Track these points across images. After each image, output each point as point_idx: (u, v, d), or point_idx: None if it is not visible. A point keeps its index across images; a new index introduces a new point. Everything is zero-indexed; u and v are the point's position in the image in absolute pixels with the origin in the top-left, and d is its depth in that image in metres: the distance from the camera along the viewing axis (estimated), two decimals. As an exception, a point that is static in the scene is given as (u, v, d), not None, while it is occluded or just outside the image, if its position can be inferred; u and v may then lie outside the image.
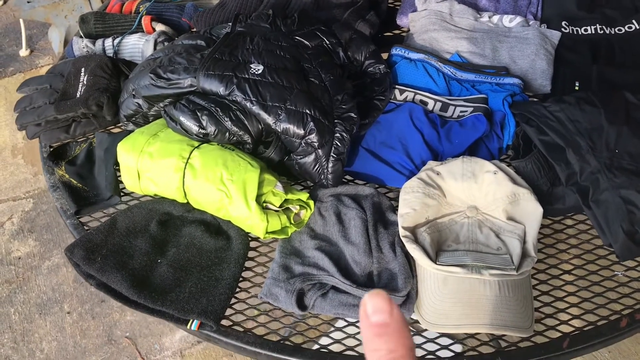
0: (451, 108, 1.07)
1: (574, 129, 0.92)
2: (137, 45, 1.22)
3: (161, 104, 1.00)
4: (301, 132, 0.91)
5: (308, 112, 0.91)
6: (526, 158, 0.93)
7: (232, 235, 0.93)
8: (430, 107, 1.08)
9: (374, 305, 0.36)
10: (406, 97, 1.09)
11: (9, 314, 1.88)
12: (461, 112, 1.06)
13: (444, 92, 1.11)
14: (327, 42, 1.07)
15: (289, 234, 0.92)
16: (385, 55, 1.17)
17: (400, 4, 1.34)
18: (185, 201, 0.94)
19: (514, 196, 0.89)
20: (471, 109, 1.05)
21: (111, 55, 1.22)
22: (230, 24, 1.08)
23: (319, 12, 1.22)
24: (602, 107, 0.93)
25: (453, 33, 1.19)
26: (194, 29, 1.30)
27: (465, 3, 1.28)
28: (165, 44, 1.20)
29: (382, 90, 1.05)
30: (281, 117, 0.91)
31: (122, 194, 1.02)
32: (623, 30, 1.17)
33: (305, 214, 0.94)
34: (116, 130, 1.14)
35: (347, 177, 1.04)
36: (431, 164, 0.96)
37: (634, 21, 1.18)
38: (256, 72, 0.94)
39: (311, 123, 0.91)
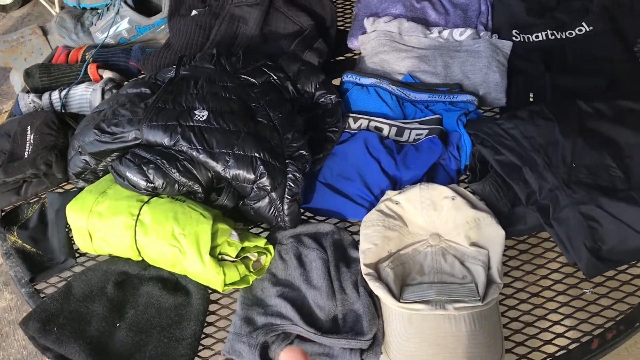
0: (407, 132, 1.05)
1: (529, 146, 0.91)
2: (85, 96, 1.19)
3: (108, 159, 0.97)
4: (251, 176, 0.88)
5: (257, 155, 0.89)
6: (483, 180, 0.91)
7: (192, 289, 0.90)
8: (385, 132, 1.06)
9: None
10: (360, 124, 1.07)
11: (-11, 373, 1.83)
12: (417, 135, 1.04)
13: (398, 116, 1.09)
14: (275, 77, 1.05)
15: (250, 282, 0.89)
16: (338, 81, 1.15)
17: (350, 26, 1.32)
18: (140, 259, 0.91)
19: (474, 221, 0.87)
20: (426, 131, 1.03)
21: (59, 108, 1.19)
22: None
23: (267, 44, 1.19)
24: (556, 120, 0.92)
25: (403, 53, 1.17)
26: (143, 73, 1.27)
27: (415, 19, 1.27)
28: (114, 91, 1.17)
29: (334, 122, 1.03)
30: (230, 163, 0.88)
31: (77, 254, 0.98)
32: (574, 34, 1.16)
33: (266, 260, 0.91)
34: (69, 186, 1.10)
35: (307, 213, 1.02)
36: (389, 193, 0.94)
37: (583, 23, 1.16)
38: (201, 119, 0.92)
39: (261, 167, 0.88)
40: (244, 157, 0.89)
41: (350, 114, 1.08)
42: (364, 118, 1.07)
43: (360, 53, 1.25)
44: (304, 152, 0.93)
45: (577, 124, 0.92)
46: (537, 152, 0.90)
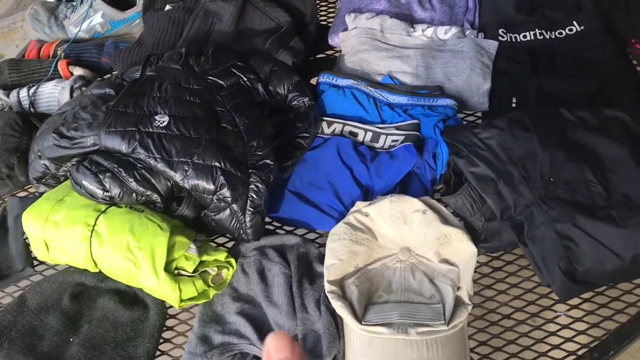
0: (382, 137, 1.00)
1: (507, 158, 0.85)
2: (53, 94, 1.15)
3: (68, 164, 0.93)
4: (211, 187, 0.84)
5: (218, 165, 0.85)
6: (457, 193, 0.87)
7: (149, 303, 0.86)
8: (360, 138, 1.01)
9: (275, 345, 0.40)
10: (334, 129, 1.02)
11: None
12: (393, 141, 0.99)
13: (375, 120, 1.04)
14: (245, 78, 1.00)
15: (211, 296, 0.85)
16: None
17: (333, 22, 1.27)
18: (96, 271, 0.88)
19: (445, 237, 0.83)
20: (403, 137, 0.98)
21: (27, 107, 1.15)
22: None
23: (241, 42, 1.14)
24: (536, 131, 0.86)
25: (384, 52, 1.12)
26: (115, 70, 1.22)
27: (399, 15, 1.21)
28: (83, 89, 1.13)
29: (306, 127, 0.98)
30: (189, 173, 0.84)
31: (35, 263, 0.95)
32: (564, 34, 1.10)
33: (227, 273, 0.88)
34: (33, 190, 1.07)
35: (275, 223, 0.98)
36: (359, 205, 0.90)
37: (574, 22, 1.10)
38: (161, 125, 0.87)
39: (221, 177, 0.84)
40: (203, 167, 0.84)
41: (325, 118, 1.03)
42: (338, 122, 1.02)
43: (341, 50, 1.20)
44: (268, 162, 0.88)
45: (558, 135, 0.86)
46: (515, 164, 0.84)
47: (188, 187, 0.85)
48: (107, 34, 1.30)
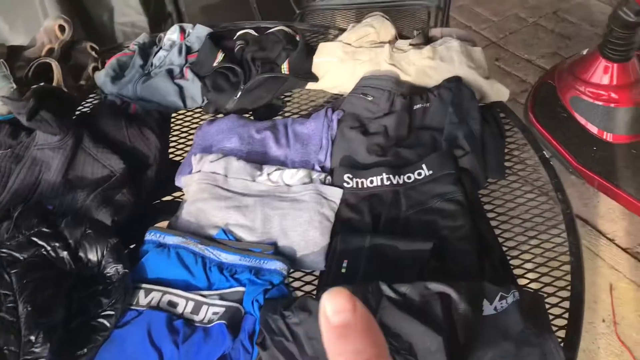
0: (204, 308, 0.90)
1: (311, 350, 0.75)
2: None
3: None
4: (-33, 401, 0.72)
5: (-23, 372, 0.73)
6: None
7: None
8: (180, 308, 0.90)
9: (333, 306, 0.32)
10: (152, 299, 0.92)
11: None
12: (213, 313, 0.89)
13: (201, 284, 0.94)
14: (49, 247, 0.90)
15: None
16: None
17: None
18: None
19: None
20: (224, 309, 0.88)
21: None
22: None
23: (69, 193, 1.05)
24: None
25: (223, 202, 1.04)
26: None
27: (252, 152, 1.15)
28: None
29: (112, 303, 0.88)
30: (-59, 384, 0.72)
31: None
32: (412, 178, 1.03)
33: None
34: None
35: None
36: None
37: (424, 166, 1.03)
38: None
39: (-21, 388, 0.72)
40: (-41, 376, 0.73)
41: (144, 285, 0.93)
42: (157, 290, 0.92)
43: (188, 194, 1.11)
44: (44, 361, 0.77)
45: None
46: None
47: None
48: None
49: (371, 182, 1.04)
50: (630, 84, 2.09)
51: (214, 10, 2.54)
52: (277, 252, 0.96)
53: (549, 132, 2.21)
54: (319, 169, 1.10)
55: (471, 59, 1.25)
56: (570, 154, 2.11)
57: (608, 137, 2.11)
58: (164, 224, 1.06)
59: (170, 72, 1.33)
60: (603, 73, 2.10)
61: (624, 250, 1.92)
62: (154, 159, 1.13)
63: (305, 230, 0.97)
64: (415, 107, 1.18)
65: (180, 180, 1.14)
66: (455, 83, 1.18)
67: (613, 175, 2.02)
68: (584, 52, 2.25)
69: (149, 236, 0.99)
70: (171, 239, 0.98)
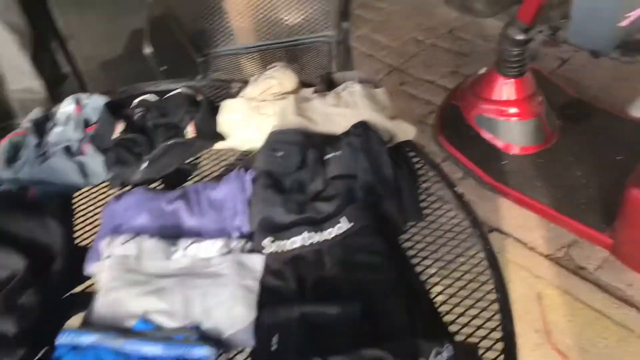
0: (130, 413, 0.83)
1: None
2: None
3: None
4: None
5: None
6: None
7: None
8: (104, 418, 0.83)
9: None
10: (70, 413, 0.84)
11: None
12: (141, 417, 0.82)
13: (124, 384, 0.87)
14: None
15: None
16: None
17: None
18: None
19: None
20: (151, 410, 0.82)
21: None
22: None
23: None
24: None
25: (139, 287, 0.97)
26: None
27: (165, 227, 1.09)
28: None
29: None
30: None
31: None
32: (333, 234, 1.01)
33: None
34: None
35: None
36: None
37: (343, 218, 1.02)
38: None
39: None
40: None
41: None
42: (75, 403, 0.84)
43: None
44: None
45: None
46: None
47: None
48: None
49: (292, 243, 1.01)
50: (529, 97, 2.20)
51: (113, 66, 2.46)
52: (202, 335, 0.91)
53: (460, 151, 2.28)
54: (237, 234, 1.06)
55: (375, 101, 1.26)
56: (483, 170, 2.19)
57: (515, 150, 2.21)
58: (77, 319, 0.98)
59: (67, 149, 1.25)
60: (502, 89, 2.20)
61: (546, 257, 2.00)
62: (61, 248, 1.05)
63: (230, 307, 0.93)
64: (327, 157, 1.17)
65: (90, 268, 1.06)
66: (362, 128, 1.18)
67: (524, 186, 2.11)
68: (482, 70, 2.35)
69: (62, 339, 0.91)
70: (87, 338, 0.90)
